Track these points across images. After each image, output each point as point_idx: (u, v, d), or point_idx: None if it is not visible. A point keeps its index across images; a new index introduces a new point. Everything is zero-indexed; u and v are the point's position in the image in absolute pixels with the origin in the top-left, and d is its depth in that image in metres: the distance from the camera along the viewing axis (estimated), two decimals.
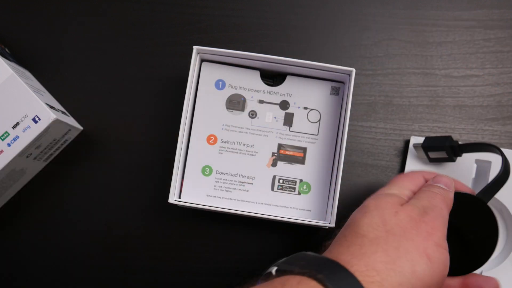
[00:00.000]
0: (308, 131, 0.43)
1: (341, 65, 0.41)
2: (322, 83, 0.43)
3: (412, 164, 0.44)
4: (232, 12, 0.47)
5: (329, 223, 0.39)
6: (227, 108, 0.43)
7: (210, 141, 0.43)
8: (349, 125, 0.45)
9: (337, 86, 0.43)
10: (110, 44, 0.47)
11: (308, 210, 0.42)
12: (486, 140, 0.45)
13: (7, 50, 0.45)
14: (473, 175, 0.43)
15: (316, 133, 0.43)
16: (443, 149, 0.41)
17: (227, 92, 0.43)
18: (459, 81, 0.46)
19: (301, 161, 0.43)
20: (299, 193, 0.42)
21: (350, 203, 0.44)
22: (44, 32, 0.46)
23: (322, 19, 0.46)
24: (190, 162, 0.43)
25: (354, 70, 0.40)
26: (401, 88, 0.46)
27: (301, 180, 0.42)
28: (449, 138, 0.41)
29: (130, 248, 0.45)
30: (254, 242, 0.45)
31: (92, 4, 0.47)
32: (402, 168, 0.45)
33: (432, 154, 0.42)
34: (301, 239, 0.45)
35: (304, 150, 0.43)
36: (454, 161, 0.42)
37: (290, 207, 0.42)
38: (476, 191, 0.37)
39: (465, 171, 0.43)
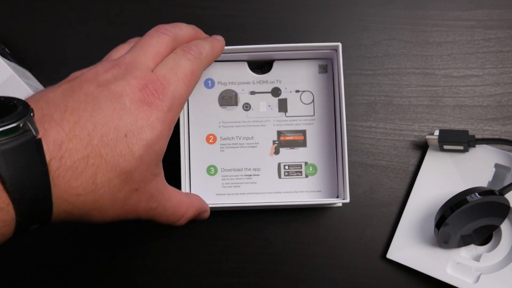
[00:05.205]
0: (304, 113, 0.43)
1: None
2: (309, 63, 0.43)
3: (431, 160, 0.44)
4: (232, 12, 0.47)
5: (344, 199, 0.39)
6: (221, 105, 0.43)
7: (210, 141, 0.43)
8: (349, 125, 0.45)
9: (324, 64, 0.43)
10: (110, 44, 0.46)
11: (319, 191, 0.42)
12: None
13: (7, 50, 0.45)
14: (490, 179, 0.43)
15: (313, 114, 0.43)
16: (460, 144, 0.42)
17: (218, 89, 0.43)
18: (459, 81, 0.46)
19: (303, 144, 0.43)
20: (306, 176, 0.42)
21: (350, 202, 0.44)
22: (45, 32, 0.46)
23: (322, 19, 0.46)
24: (194, 165, 0.43)
25: (340, 45, 0.40)
26: (401, 88, 0.46)
27: (306, 163, 0.43)
28: (466, 133, 0.42)
29: (130, 249, 0.45)
30: (256, 239, 0.45)
31: (92, 5, 0.47)
32: (401, 168, 0.45)
33: (447, 147, 0.43)
34: (304, 232, 0.44)
35: (303, 132, 0.43)
36: (467, 151, 0.44)
37: (300, 191, 0.42)
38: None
39: (479, 162, 0.44)
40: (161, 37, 0.34)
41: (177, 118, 0.33)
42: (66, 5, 0.47)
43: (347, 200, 0.39)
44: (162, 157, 0.32)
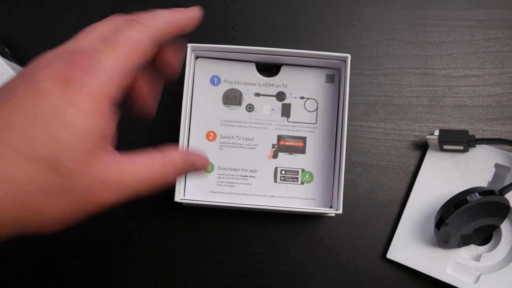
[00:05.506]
0: (307, 121, 0.43)
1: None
2: (316, 71, 0.43)
3: (431, 160, 0.44)
4: (233, 12, 0.47)
5: (336, 210, 0.40)
6: (224, 103, 0.43)
7: (210, 138, 0.43)
8: (349, 125, 0.45)
9: (332, 74, 0.43)
10: None
11: (312, 199, 0.42)
12: None
13: (7, 50, 0.45)
14: (490, 179, 0.43)
15: (315, 122, 0.43)
16: (460, 144, 0.42)
17: (223, 87, 0.43)
18: (459, 81, 0.46)
19: (302, 150, 0.43)
20: (302, 183, 0.42)
21: (350, 203, 0.44)
22: (45, 32, 0.46)
23: (322, 19, 0.46)
24: None
25: (349, 56, 0.40)
26: (401, 88, 0.46)
27: (303, 170, 0.43)
28: (466, 133, 0.42)
29: (130, 248, 0.45)
30: (256, 239, 0.45)
31: (92, 5, 0.47)
32: (401, 168, 0.45)
33: (447, 147, 0.43)
34: (304, 232, 0.45)
35: (303, 139, 0.43)
36: (467, 151, 0.44)
37: (294, 197, 0.42)
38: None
39: (479, 162, 0.44)
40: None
41: (119, 92, 0.27)
42: (66, 5, 0.47)
43: (340, 211, 0.39)
44: (107, 135, 0.27)
